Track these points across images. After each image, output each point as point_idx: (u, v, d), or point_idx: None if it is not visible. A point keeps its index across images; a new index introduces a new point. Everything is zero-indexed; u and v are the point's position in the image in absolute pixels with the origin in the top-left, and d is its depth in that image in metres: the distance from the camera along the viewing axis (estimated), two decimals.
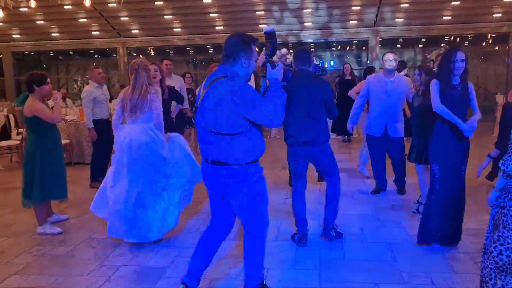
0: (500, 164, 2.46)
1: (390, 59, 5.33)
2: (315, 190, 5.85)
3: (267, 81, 2.78)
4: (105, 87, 6.61)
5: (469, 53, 15.51)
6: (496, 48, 16.73)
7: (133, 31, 15.63)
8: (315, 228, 4.45)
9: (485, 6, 13.15)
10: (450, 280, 3.32)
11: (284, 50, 6.24)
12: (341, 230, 4.30)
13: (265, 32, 2.87)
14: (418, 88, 4.91)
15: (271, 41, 2.83)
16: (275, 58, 5.23)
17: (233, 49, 2.68)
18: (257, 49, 2.78)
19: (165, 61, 6.48)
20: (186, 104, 6.51)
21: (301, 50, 4.13)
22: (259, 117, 2.58)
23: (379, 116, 5.50)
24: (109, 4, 12.56)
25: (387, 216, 4.83)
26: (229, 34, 9.47)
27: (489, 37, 15.96)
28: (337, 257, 3.80)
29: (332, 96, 4.12)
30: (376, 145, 5.66)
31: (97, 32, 15.71)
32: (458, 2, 12.93)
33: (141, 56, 17.85)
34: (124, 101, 4.16)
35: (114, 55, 16.91)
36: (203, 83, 2.78)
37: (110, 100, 8.74)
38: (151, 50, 17.73)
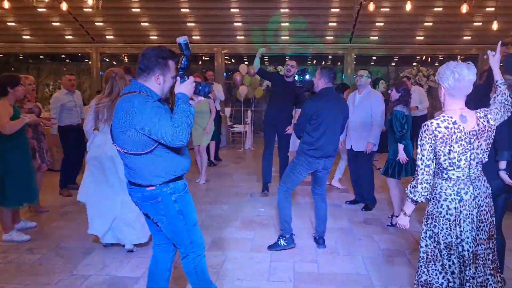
0: (407, 191, 2.52)
1: (359, 75, 5.54)
2: None
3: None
4: (77, 93, 6.51)
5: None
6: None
7: (107, 37, 15.40)
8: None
9: (456, 29, 13.61)
10: None
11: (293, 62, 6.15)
12: (315, 244, 4.39)
13: (178, 44, 2.68)
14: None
15: (184, 53, 2.63)
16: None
17: (148, 63, 2.51)
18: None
19: None
20: None
21: (328, 68, 4.26)
22: (159, 136, 2.36)
23: (348, 130, 5.65)
24: (85, 9, 12.37)
25: (360, 230, 4.87)
26: (207, 44, 9.54)
27: (458, 58, 16.49)
28: (311, 270, 3.80)
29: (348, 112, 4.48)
30: (349, 159, 5.79)
31: (71, 37, 15.41)
32: (431, 24, 13.34)
33: (114, 62, 17.62)
34: (99, 109, 4.11)
35: (87, 60, 16.62)
36: None
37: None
38: (125, 57, 17.51)
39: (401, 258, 4.07)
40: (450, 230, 2.47)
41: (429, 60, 16.13)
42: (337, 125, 4.23)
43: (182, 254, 2.73)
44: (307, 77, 5.28)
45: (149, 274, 2.87)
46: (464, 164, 2.41)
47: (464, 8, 8.05)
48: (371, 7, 8.14)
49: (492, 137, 2.51)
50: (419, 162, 2.45)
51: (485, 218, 2.50)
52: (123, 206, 4.05)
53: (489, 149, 2.51)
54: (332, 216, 5.33)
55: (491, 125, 2.49)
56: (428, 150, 2.41)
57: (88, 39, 15.35)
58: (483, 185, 2.51)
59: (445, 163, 2.41)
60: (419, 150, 2.46)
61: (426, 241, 2.57)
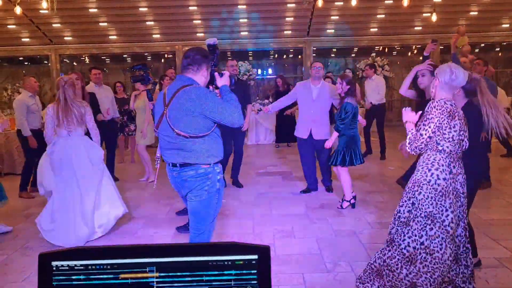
0: (407, 142, 2.87)
1: (316, 67, 5.79)
2: None
3: (215, 89, 3.13)
4: (37, 97, 6.56)
5: (398, 62, 16.47)
6: (421, 58, 18.00)
7: (66, 38, 15.23)
8: (248, 227, 4.70)
9: (407, 20, 14.20)
10: None
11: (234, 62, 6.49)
12: (275, 230, 4.65)
13: (208, 45, 3.12)
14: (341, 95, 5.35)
15: (215, 53, 3.10)
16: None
17: (196, 61, 2.97)
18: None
19: (93, 71, 6.72)
20: (116, 113, 6.95)
21: None
22: (227, 118, 2.85)
23: (305, 120, 5.91)
24: (41, 11, 12.22)
25: (316, 214, 5.18)
26: (166, 42, 9.69)
27: (414, 47, 17.05)
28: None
29: None
30: (303, 147, 6.06)
31: (28, 39, 15.17)
32: (383, 16, 13.86)
33: (74, 63, 17.42)
34: (57, 115, 4.43)
35: (46, 62, 16.37)
36: (164, 93, 3.04)
37: (43, 108, 8.60)
38: (86, 57, 17.33)
39: (351, 237, 4.39)
40: (434, 200, 2.73)
41: (386, 51, 16.67)
42: None
43: (199, 230, 3.06)
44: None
45: None
46: (457, 140, 2.76)
47: (406, 2, 8.47)
48: (320, 3, 8.45)
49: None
50: (423, 132, 2.76)
51: (464, 195, 2.82)
52: (82, 202, 4.45)
53: (467, 136, 2.85)
54: (290, 203, 5.64)
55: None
56: (436, 123, 2.74)
57: (46, 41, 15.14)
58: (462, 165, 2.86)
59: (449, 135, 2.73)
60: (426, 123, 2.76)
61: (405, 207, 2.87)
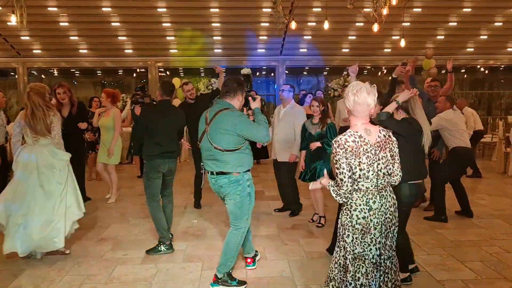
0: (333, 194, 2.69)
1: (280, 90, 5.91)
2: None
3: (248, 110, 3.83)
4: (1, 111, 6.36)
5: (368, 82, 16.87)
6: (390, 78, 18.46)
7: (35, 51, 14.92)
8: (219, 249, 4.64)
9: (377, 42, 14.57)
10: None
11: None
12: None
13: (243, 74, 3.79)
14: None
15: (249, 80, 3.76)
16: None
17: (232, 88, 3.65)
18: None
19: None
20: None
21: (166, 82, 4.85)
22: (257, 136, 3.55)
23: (273, 142, 5.92)
24: (9, 23, 11.95)
25: (288, 235, 5.16)
26: (139, 57, 9.86)
27: (384, 68, 17.49)
28: (240, 276, 3.98)
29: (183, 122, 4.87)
30: (274, 168, 6.10)
31: None
32: (354, 37, 14.19)
33: (43, 76, 17.05)
34: (25, 123, 4.39)
35: (13, 74, 15.99)
36: (206, 114, 3.70)
37: (8, 123, 8.33)
38: (55, 70, 17.00)
39: (323, 259, 4.38)
40: (359, 240, 2.64)
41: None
42: (173, 130, 4.63)
43: (236, 226, 3.72)
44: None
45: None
46: (373, 174, 2.61)
47: (375, 27, 8.70)
48: (293, 25, 8.59)
49: (395, 149, 2.73)
50: (341, 176, 2.59)
51: (388, 226, 2.70)
52: (52, 210, 4.32)
53: (395, 160, 2.73)
54: (262, 223, 5.61)
55: (393, 139, 2.75)
56: (346, 163, 2.58)
57: (13, 53, 14.80)
58: (389, 195, 2.72)
59: (355, 175, 2.59)
60: (337, 166, 2.61)
61: (340, 251, 2.74)
